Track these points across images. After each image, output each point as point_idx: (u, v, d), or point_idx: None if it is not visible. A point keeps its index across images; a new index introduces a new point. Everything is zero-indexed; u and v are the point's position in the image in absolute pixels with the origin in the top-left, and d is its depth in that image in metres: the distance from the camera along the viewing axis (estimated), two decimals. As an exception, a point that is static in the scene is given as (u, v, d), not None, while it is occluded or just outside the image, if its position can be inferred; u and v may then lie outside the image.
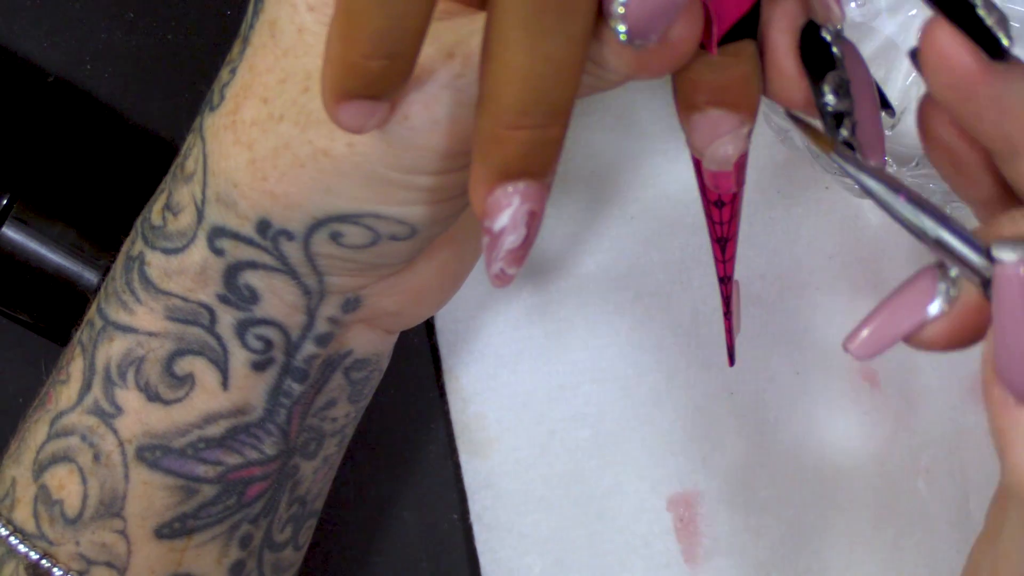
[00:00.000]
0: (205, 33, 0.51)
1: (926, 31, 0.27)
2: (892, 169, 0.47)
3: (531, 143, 0.27)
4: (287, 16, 0.31)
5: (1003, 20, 0.26)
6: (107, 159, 0.50)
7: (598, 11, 0.27)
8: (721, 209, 0.33)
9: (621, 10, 0.26)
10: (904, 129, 0.46)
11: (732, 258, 0.34)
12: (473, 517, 0.48)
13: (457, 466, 0.49)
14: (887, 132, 0.46)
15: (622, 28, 0.27)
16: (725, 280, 0.34)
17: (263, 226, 0.33)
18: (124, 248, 0.36)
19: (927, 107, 0.29)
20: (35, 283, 0.45)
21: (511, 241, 0.29)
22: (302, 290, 0.35)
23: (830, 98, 0.28)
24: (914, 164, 0.46)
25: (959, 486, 0.48)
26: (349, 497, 0.49)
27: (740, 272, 0.50)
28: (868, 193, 0.28)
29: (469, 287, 0.50)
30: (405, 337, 0.50)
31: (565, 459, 0.49)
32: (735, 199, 0.33)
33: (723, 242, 0.33)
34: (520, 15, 0.26)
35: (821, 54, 0.28)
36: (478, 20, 0.30)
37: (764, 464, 0.48)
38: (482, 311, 0.50)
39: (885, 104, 0.30)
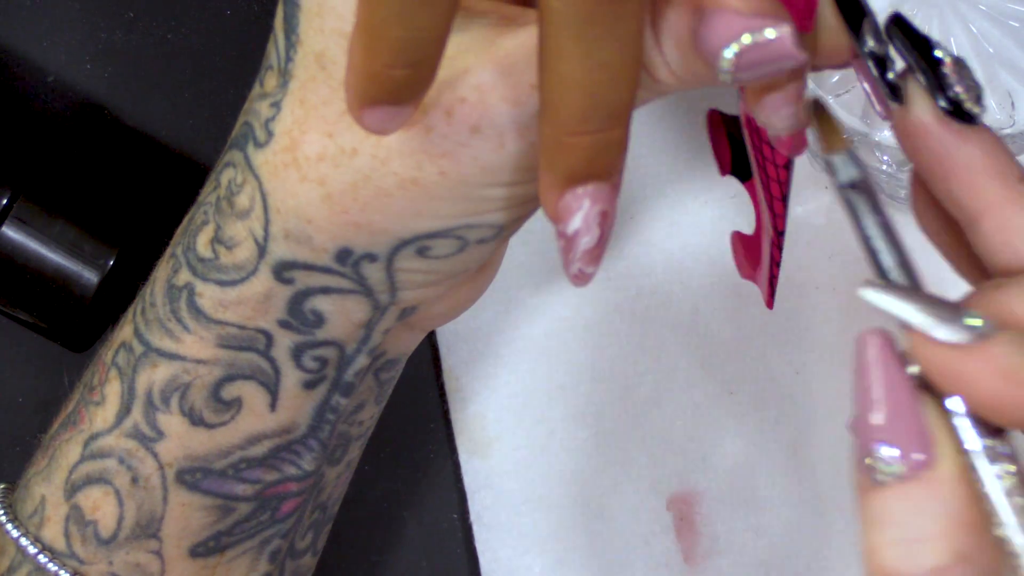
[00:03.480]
0: (205, 33, 0.51)
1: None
2: (891, 169, 0.47)
3: (595, 147, 0.28)
4: (338, 46, 0.31)
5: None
6: (107, 159, 0.50)
7: (651, 15, 0.27)
8: (789, 171, 0.34)
9: (727, 64, 0.27)
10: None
11: (786, 213, 0.36)
12: (473, 517, 0.48)
13: (457, 466, 0.49)
14: (887, 133, 0.46)
15: (728, 78, 0.27)
16: (782, 233, 0.36)
17: (344, 254, 0.33)
18: (162, 275, 0.35)
19: (913, 178, 0.30)
20: (35, 283, 0.45)
21: (586, 242, 0.29)
22: (372, 306, 0.34)
23: (872, 43, 0.28)
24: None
25: None
26: (349, 497, 0.49)
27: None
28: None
29: (469, 287, 0.50)
30: (405, 337, 0.50)
31: (565, 459, 0.49)
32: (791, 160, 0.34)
33: (785, 199, 0.35)
34: (571, 26, 0.26)
35: (852, 4, 0.28)
36: None
37: (764, 464, 0.49)
38: (482, 311, 0.50)
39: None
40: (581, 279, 0.30)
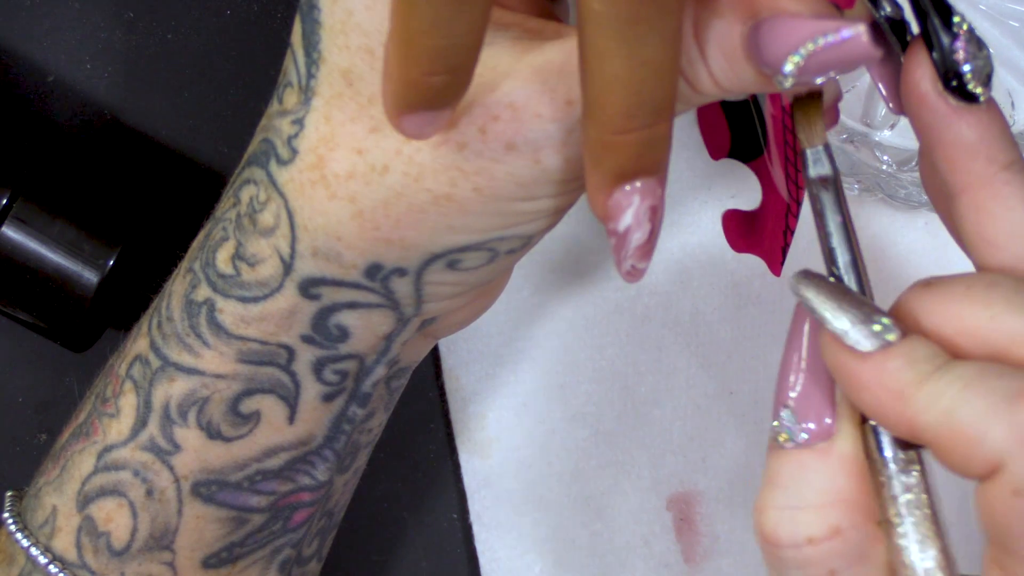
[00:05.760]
0: (205, 33, 0.51)
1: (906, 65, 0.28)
2: (891, 169, 0.47)
3: (642, 144, 0.28)
4: (365, 63, 0.31)
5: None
6: (107, 159, 0.50)
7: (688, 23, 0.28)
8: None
9: (793, 69, 0.27)
10: (903, 130, 0.46)
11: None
12: (473, 517, 0.48)
13: (457, 466, 0.49)
14: (887, 133, 0.46)
15: (788, 84, 0.27)
16: (800, 204, 0.36)
17: (373, 270, 0.33)
18: (179, 289, 0.35)
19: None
20: (35, 283, 0.45)
21: (637, 238, 0.29)
22: (397, 319, 0.34)
23: (889, 8, 0.28)
24: (913, 164, 0.46)
25: (959, 486, 0.48)
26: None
27: (740, 272, 0.50)
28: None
29: (469, 287, 0.50)
30: (405, 337, 0.50)
31: (565, 459, 0.49)
32: None
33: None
34: (613, 26, 0.26)
35: None
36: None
37: (764, 464, 0.48)
38: (482, 311, 0.50)
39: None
40: (634, 275, 0.30)
